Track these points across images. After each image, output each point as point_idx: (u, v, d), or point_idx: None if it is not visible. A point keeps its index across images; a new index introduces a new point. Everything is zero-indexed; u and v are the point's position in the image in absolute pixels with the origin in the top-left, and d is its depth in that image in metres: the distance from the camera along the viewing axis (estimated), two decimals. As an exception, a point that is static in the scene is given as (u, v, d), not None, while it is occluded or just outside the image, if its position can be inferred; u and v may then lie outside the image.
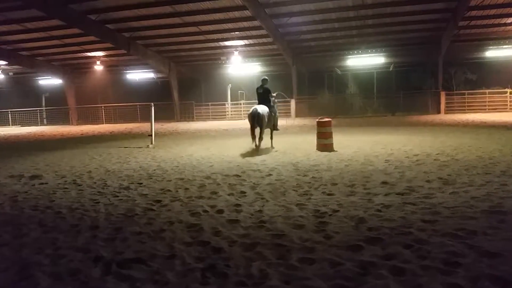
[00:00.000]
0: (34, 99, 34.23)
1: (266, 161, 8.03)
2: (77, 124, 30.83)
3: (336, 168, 7.00)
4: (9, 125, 32.81)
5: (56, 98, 33.09)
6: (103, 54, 27.96)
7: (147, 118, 22.24)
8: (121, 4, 19.08)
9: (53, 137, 18.78)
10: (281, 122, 10.83)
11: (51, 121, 33.14)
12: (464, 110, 24.99)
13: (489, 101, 25.06)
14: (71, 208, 4.98)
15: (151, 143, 12.10)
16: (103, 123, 30.39)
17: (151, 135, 12.42)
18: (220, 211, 4.52)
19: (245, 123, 11.65)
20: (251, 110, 9.79)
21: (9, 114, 33.38)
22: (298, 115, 26.43)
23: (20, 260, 3.35)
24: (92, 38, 22.98)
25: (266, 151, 9.59)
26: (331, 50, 26.94)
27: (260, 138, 9.70)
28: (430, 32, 24.00)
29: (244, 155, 9.04)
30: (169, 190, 5.75)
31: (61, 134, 20.98)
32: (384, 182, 5.65)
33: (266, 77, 10.80)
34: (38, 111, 33.67)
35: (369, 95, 27.83)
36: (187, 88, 30.55)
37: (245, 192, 5.41)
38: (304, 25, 22.41)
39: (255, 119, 9.52)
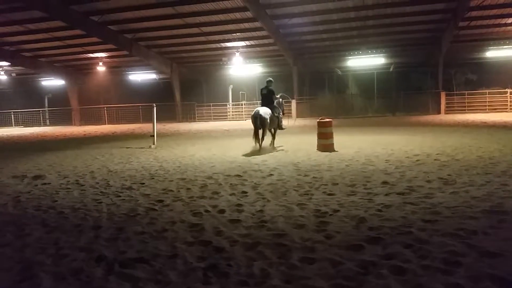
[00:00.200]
0: (37, 100, 34.27)
1: (267, 162, 8.05)
2: (79, 125, 30.93)
3: (337, 168, 7.02)
4: (12, 125, 32.93)
5: (58, 99, 33.17)
6: (106, 55, 28.00)
7: (149, 119, 22.36)
8: (123, 5, 19.13)
9: (56, 138, 18.83)
10: (283, 122, 10.90)
11: (54, 121, 33.28)
12: (464, 110, 24.96)
13: (489, 102, 25.03)
14: (73, 208, 5.01)
15: (153, 144, 12.14)
16: (105, 124, 30.49)
17: (153, 136, 12.49)
18: (222, 211, 4.54)
19: (246, 124, 11.67)
20: (253, 112, 9.84)
21: (12, 115, 33.51)
22: (299, 115, 26.36)
23: (23, 259, 3.37)
24: (94, 39, 23.05)
25: (268, 151, 9.62)
26: (332, 51, 26.93)
27: (262, 139, 9.80)
28: (430, 32, 23.97)
29: (246, 156, 9.06)
30: (171, 190, 5.78)
31: (63, 134, 21.04)
32: (385, 182, 5.67)
33: (271, 79, 10.83)
34: (40, 111, 33.77)
35: (370, 96, 27.81)
36: (189, 89, 30.59)
37: (246, 192, 5.43)
38: (305, 26, 22.41)
39: (258, 121, 9.57)
